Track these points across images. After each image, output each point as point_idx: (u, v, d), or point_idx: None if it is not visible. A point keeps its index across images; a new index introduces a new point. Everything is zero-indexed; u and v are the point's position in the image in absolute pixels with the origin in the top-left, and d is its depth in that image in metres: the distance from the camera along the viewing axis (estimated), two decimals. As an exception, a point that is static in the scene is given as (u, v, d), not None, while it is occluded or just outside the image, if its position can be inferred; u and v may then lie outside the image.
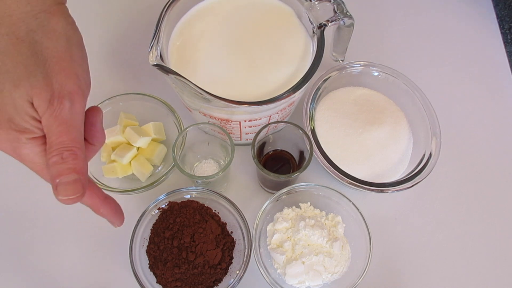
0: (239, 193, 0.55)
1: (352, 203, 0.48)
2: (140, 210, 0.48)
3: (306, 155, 0.48)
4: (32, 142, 0.30)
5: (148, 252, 0.48)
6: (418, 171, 0.50)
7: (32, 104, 0.29)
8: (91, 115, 0.34)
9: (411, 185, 0.49)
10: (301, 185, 0.49)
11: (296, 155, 0.54)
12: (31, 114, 0.30)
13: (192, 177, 0.47)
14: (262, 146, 0.52)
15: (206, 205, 0.50)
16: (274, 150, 0.55)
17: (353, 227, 0.49)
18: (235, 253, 0.49)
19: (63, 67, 0.30)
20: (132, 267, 0.46)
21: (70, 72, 0.30)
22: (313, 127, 0.52)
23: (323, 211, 0.51)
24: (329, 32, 0.49)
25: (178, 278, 0.46)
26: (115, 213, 0.36)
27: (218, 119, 0.48)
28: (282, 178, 0.46)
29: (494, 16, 0.67)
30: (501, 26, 0.65)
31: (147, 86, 0.60)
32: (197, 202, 0.50)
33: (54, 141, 0.29)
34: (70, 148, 0.30)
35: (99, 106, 0.53)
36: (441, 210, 0.55)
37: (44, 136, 0.30)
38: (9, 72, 0.29)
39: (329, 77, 0.54)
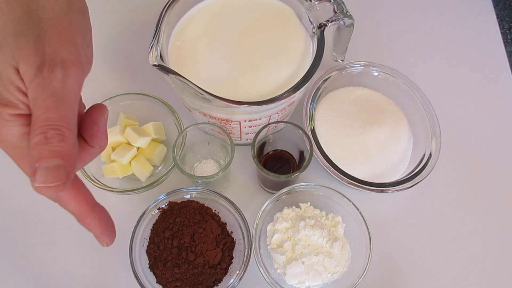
0: (239, 193, 0.55)
1: (352, 203, 0.48)
2: (140, 210, 0.48)
3: (306, 155, 0.48)
4: (15, 120, 0.25)
5: (148, 252, 0.48)
6: (418, 171, 0.50)
7: (17, 70, 0.24)
8: (95, 112, 0.28)
9: (411, 185, 0.49)
10: (301, 185, 0.49)
11: (296, 155, 0.54)
12: (15, 83, 0.24)
13: (192, 177, 0.47)
14: (262, 146, 0.52)
15: (206, 205, 0.50)
16: (274, 150, 0.55)
17: (353, 227, 0.49)
18: (235, 253, 0.49)
19: (59, 31, 0.25)
20: (132, 267, 0.46)
21: (67, 39, 0.25)
22: (313, 127, 0.52)
23: (323, 211, 0.51)
24: (329, 32, 0.49)
25: (178, 278, 0.46)
26: (105, 227, 0.29)
27: (218, 119, 0.48)
28: (282, 178, 0.46)
29: (494, 16, 0.67)
30: (501, 26, 0.65)
31: (147, 86, 0.60)
32: (197, 202, 0.50)
33: (39, 116, 0.24)
34: (57, 127, 0.24)
35: None
36: (441, 210, 0.55)
37: (29, 115, 0.25)
38: None
39: (329, 77, 0.54)
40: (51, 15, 0.25)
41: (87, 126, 0.28)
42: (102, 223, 0.29)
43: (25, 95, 0.25)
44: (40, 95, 0.24)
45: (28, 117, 0.25)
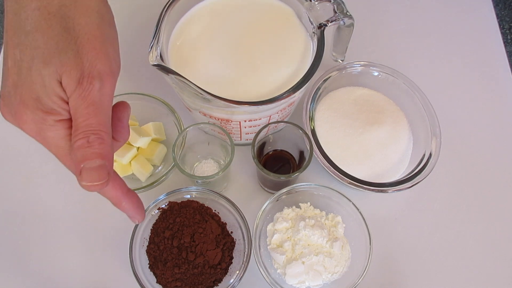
0: (239, 193, 0.55)
1: (352, 203, 0.48)
2: (140, 210, 0.48)
3: (306, 155, 0.48)
4: (58, 125, 0.29)
5: (148, 252, 0.48)
6: (418, 171, 0.50)
7: (60, 83, 0.28)
8: (119, 110, 0.32)
9: (411, 185, 0.49)
10: (301, 185, 0.49)
11: (296, 155, 0.54)
12: (59, 94, 0.28)
13: (192, 177, 0.47)
14: (262, 146, 0.52)
15: (206, 205, 0.50)
16: (274, 150, 0.55)
17: (353, 227, 0.49)
18: (235, 253, 0.49)
19: (94, 45, 0.29)
20: (132, 267, 0.46)
21: (101, 52, 0.29)
22: (313, 127, 0.52)
23: (323, 211, 0.51)
24: (329, 32, 0.49)
25: (178, 278, 0.46)
26: (137, 208, 0.34)
27: (218, 119, 0.48)
28: (282, 178, 0.46)
29: (494, 16, 0.67)
30: (501, 26, 0.65)
31: (147, 86, 0.60)
32: (197, 202, 0.50)
33: (81, 123, 0.28)
34: (97, 132, 0.28)
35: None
36: (441, 210, 0.55)
37: (70, 120, 0.29)
38: (39, 48, 0.28)
39: (329, 77, 0.54)
40: (87, 30, 0.29)
41: (113, 123, 0.31)
42: (135, 206, 0.34)
43: (66, 102, 0.29)
44: (81, 104, 0.28)
45: (68, 122, 0.29)
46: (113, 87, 0.30)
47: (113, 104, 0.32)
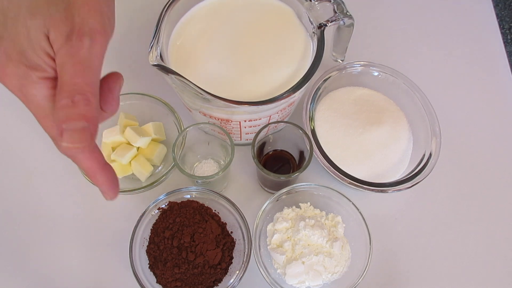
0: (239, 193, 0.55)
1: (352, 203, 0.48)
2: (140, 210, 0.48)
3: (306, 155, 0.48)
4: (42, 83, 0.27)
5: (148, 252, 0.48)
6: (418, 171, 0.50)
7: (47, 37, 0.26)
8: (111, 79, 0.31)
9: (411, 185, 0.49)
10: (301, 185, 0.49)
11: (296, 155, 0.54)
12: (45, 48, 0.26)
13: (192, 177, 0.47)
14: (262, 146, 0.52)
15: (206, 205, 0.50)
16: (274, 150, 0.55)
17: (353, 227, 0.49)
18: (235, 253, 0.49)
19: (87, 1, 0.27)
20: (132, 267, 0.46)
21: (94, 8, 0.27)
22: (313, 127, 0.52)
23: (323, 211, 0.51)
24: (329, 32, 0.49)
25: (178, 278, 0.46)
26: (111, 183, 0.32)
27: (218, 119, 0.48)
28: (282, 178, 0.46)
29: (494, 16, 0.67)
30: (501, 26, 0.65)
31: (147, 86, 0.60)
32: (197, 202, 0.50)
33: (66, 81, 0.26)
34: (84, 92, 0.26)
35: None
36: (441, 210, 0.55)
37: (55, 79, 0.27)
38: None
39: (329, 77, 0.54)
40: None
41: (102, 92, 0.29)
42: (109, 181, 0.31)
43: (53, 60, 0.27)
44: (68, 61, 0.26)
45: (53, 81, 0.27)
46: (104, 47, 0.28)
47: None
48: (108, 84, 0.30)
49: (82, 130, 0.26)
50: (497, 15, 0.67)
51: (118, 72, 0.31)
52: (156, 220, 0.49)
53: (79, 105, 0.26)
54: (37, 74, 0.27)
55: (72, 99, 0.26)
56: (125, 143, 0.53)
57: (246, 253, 0.47)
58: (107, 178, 0.31)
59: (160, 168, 0.55)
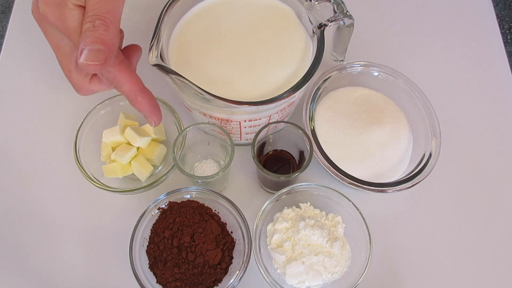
0: (239, 193, 0.55)
1: (352, 203, 0.48)
2: (140, 210, 0.48)
3: (306, 155, 0.48)
4: (76, 9, 0.32)
5: (148, 252, 0.48)
6: (418, 171, 0.50)
7: None
8: (131, 49, 0.36)
9: (411, 185, 0.49)
10: (301, 185, 0.49)
11: (296, 155, 0.54)
12: None
13: (192, 177, 0.47)
14: (262, 146, 0.52)
15: (206, 205, 0.50)
16: (274, 150, 0.55)
17: (353, 227, 0.49)
18: (235, 253, 0.49)
19: None
20: (132, 267, 0.46)
21: None
22: (313, 127, 0.52)
23: (323, 211, 0.51)
24: (329, 32, 0.49)
25: (178, 278, 0.46)
26: (153, 106, 0.36)
27: (218, 119, 0.48)
28: (282, 178, 0.46)
29: (494, 16, 0.67)
30: (501, 26, 0.65)
31: (147, 86, 0.59)
32: (197, 202, 0.50)
33: (91, 7, 0.31)
34: (103, 18, 0.31)
35: (99, 105, 0.54)
36: (441, 210, 0.55)
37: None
38: None
39: (329, 77, 0.54)
40: None
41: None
42: (151, 103, 0.35)
43: None
44: None
45: (85, 9, 0.32)
46: None
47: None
48: (128, 53, 0.36)
49: (97, 51, 0.30)
50: (497, 15, 0.67)
51: (139, 45, 0.36)
52: (156, 220, 0.49)
53: (98, 29, 0.30)
54: (73, 1, 0.32)
55: (93, 23, 0.30)
56: (125, 143, 0.53)
57: (246, 253, 0.47)
58: (148, 100, 0.35)
59: (160, 168, 0.55)
